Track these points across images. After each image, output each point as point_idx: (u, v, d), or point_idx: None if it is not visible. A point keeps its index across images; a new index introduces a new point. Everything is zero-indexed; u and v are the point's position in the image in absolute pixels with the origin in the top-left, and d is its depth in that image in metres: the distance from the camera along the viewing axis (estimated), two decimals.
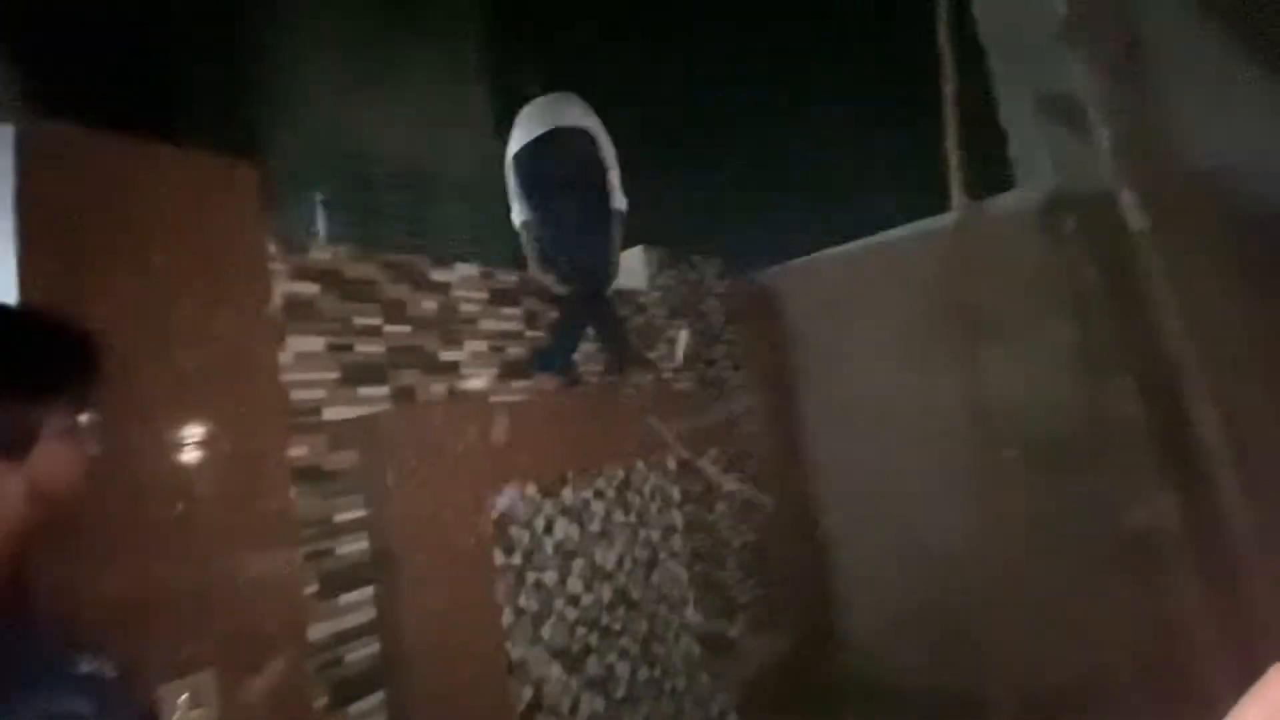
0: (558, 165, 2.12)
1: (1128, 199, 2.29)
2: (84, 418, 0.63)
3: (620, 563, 2.23)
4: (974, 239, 2.59)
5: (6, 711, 0.45)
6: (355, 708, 1.35)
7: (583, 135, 2.16)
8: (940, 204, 2.60)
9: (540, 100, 2.21)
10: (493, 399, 1.79)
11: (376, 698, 1.39)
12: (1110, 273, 2.34)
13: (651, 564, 2.35)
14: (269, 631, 1.17)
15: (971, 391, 2.64)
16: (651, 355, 2.42)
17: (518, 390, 1.87)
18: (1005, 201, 2.60)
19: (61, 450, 0.60)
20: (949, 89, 2.23)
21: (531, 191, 2.15)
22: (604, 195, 2.15)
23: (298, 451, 1.32)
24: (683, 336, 2.55)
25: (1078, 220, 2.41)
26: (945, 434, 2.69)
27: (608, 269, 2.16)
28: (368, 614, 1.40)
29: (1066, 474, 2.45)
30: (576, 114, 2.18)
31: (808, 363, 3.12)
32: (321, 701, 1.29)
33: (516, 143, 2.17)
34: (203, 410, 1.15)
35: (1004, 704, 2.41)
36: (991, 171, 2.55)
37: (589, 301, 2.10)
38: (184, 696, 1.05)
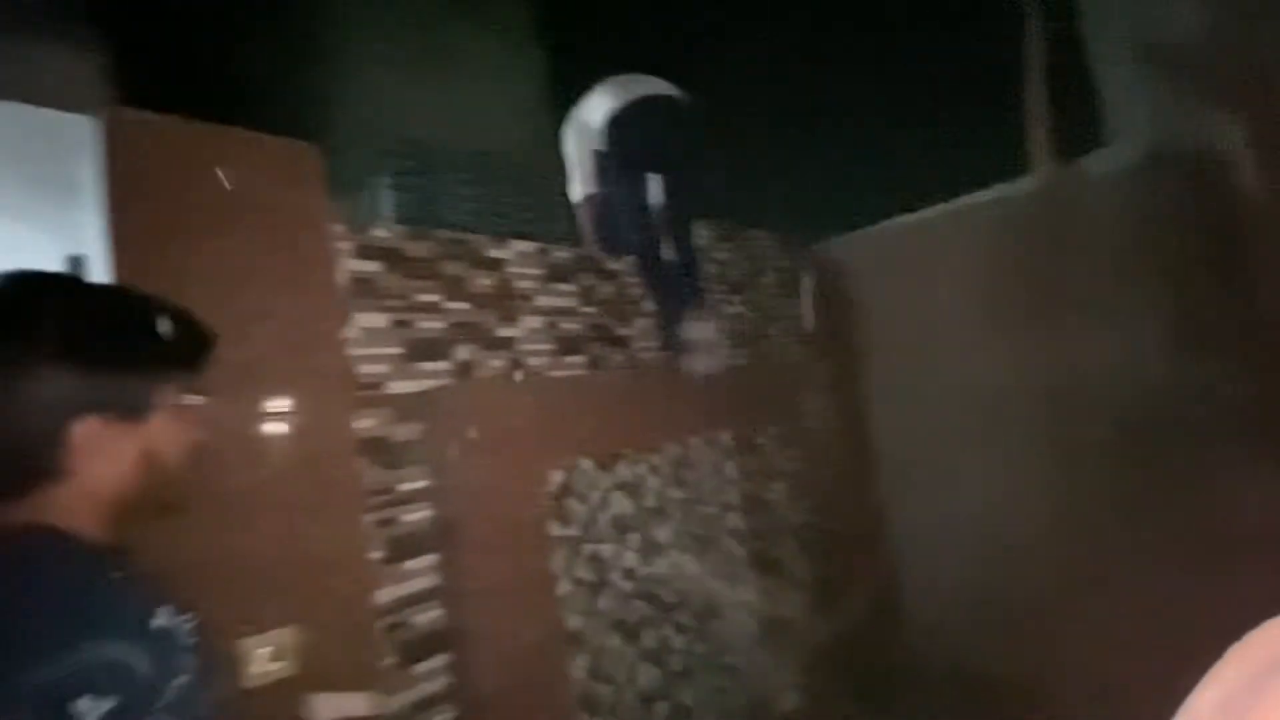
0: (661, 132, 2.09)
1: (1238, 156, 2.07)
2: (194, 401, 0.68)
3: (676, 538, 2.23)
4: (1060, 203, 2.41)
5: (73, 650, 0.48)
6: (421, 668, 1.41)
7: (680, 103, 2.14)
8: (1022, 166, 2.42)
9: (618, 77, 2.19)
10: (549, 374, 1.80)
11: (441, 659, 1.45)
12: (1214, 239, 2.13)
13: (708, 540, 2.34)
14: (340, 594, 1.24)
15: (1053, 369, 2.48)
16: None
17: (571, 365, 1.88)
18: (1095, 162, 2.40)
19: (172, 425, 0.65)
20: (1034, 37, 2.06)
21: (627, 159, 2.09)
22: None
23: (364, 424, 1.37)
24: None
25: (1178, 181, 2.19)
26: (1022, 414, 2.55)
27: (691, 243, 2.15)
28: (431, 580, 1.46)
29: (1154, 458, 2.28)
30: (664, 84, 2.16)
31: (874, 338, 3.00)
32: (390, 661, 1.36)
33: (606, 109, 2.11)
34: (275, 384, 1.21)
35: (1073, 694, 2.30)
36: (1080, 128, 2.34)
37: (659, 274, 2.09)
38: (266, 650, 1.12)
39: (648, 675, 2.02)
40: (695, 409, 2.26)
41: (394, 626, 1.38)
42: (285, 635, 1.15)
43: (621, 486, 2.08)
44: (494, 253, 1.75)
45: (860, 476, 2.96)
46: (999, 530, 2.63)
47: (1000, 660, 2.61)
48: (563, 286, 1.92)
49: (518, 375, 1.72)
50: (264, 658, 1.12)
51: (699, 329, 2.20)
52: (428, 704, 1.41)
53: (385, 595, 1.37)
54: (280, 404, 1.21)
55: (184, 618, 0.58)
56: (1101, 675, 2.36)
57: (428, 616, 1.44)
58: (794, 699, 2.40)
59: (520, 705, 1.50)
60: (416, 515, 1.45)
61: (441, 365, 1.55)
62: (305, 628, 1.17)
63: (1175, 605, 2.22)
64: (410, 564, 1.43)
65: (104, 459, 0.59)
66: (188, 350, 0.68)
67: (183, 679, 0.54)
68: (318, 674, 1.18)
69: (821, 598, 2.70)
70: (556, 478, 1.87)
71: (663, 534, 2.18)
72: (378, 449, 1.39)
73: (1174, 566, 2.24)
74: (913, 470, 2.91)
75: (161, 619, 0.55)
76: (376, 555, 1.37)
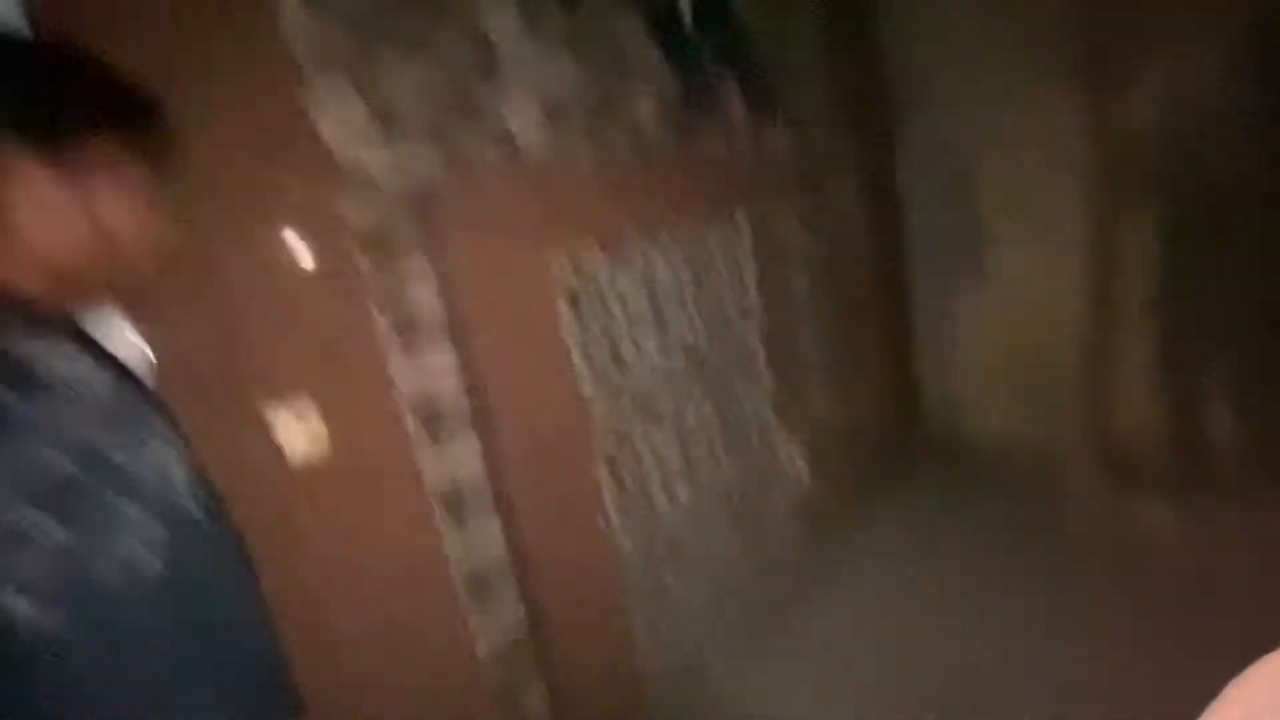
0: None
1: None
2: (151, 178, 0.65)
3: (691, 324, 2.24)
4: None
5: None
6: (452, 446, 1.51)
7: None
8: None
9: None
10: (545, 151, 1.68)
11: (472, 439, 1.54)
12: None
13: (724, 325, 2.35)
14: (359, 376, 1.29)
15: (1102, 133, 2.22)
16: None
17: (570, 142, 1.74)
18: None
19: (124, 197, 0.61)
20: None
21: None
22: None
23: (349, 210, 1.32)
24: None
25: None
26: (1063, 181, 2.34)
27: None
28: (450, 362, 1.50)
29: (1201, 234, 2.11)
30: None
31: (906, 95, 2.71)
32: (420, 435, 1.45)
33: None
34: (247, 165, 1.15)
35: (1090, 465, 2.39)
36: None
37: (678, 38, 1.87)
38: (288, 411, 1.20)
39: (667, 448, 2.17)
40: (709, 190, 2.14)
41: (419, 405, 1.45)
42: (304, 400, 1.22)
43: (632, 275, 2.04)
44: (474, 6, 1.53)
45: (885, 256, 2.85)
46: (1033, 310, 2.56)
47: (1023, 441, 2.70)
48: (557, 50, 1.71)
49: (510, 152, 1.61)
50: (296, 430, 1.20)
51: (723, 102, 2.01)
52: (464, 476, 1.53)
53: (407, 382, 1.41)
54: (255, 182, 1.16)
55: (94, 363, 0.57)
56: (1122, 447, 2.43)
57: (450, 396, 1.50)
58: (809, 473, 2.56)
59: (548, 474, 1.63)
60: (425, 301, 1.45)
61: (423, 142, 1.44)
62: (324, 394, 1.24)
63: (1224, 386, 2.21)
64: (425, 347, 1.46)
65: (41, 214, 0.56)
66: (120, 100, 0.63)
67: (86, 428, 0.53)
68: (351, 449, 1.27)
69: (839, 378, 2.77)
70: (565, 265, 1.85)
71: (678, 322, 2.19)
72: (370, 238, 1.35)
73: (1214, 340, 2.19)
74: (942, 246, 2.78)
75: (47, 359, 0.53)
76: (393, 343, 1.39)
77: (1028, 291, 2.56)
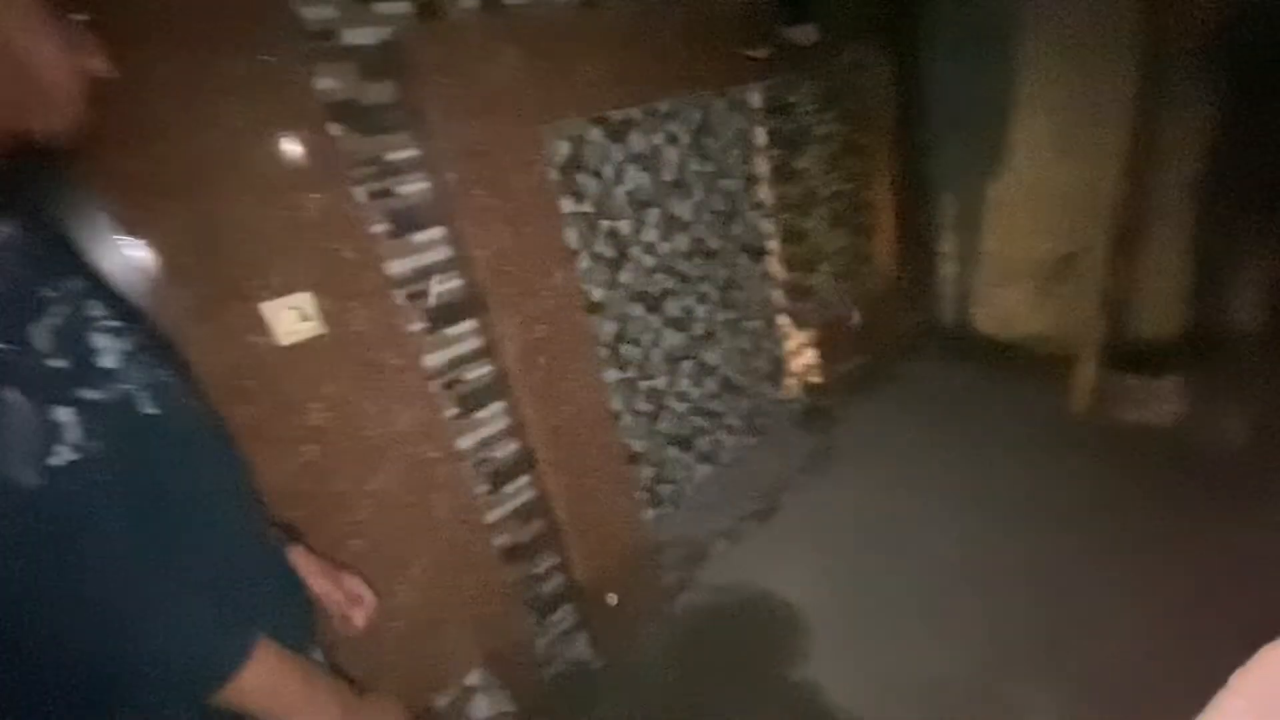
0: None
1: None
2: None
3: (698, 213, 2.16)
4: None
5: None
6: (450, 331, 1.50)
7: None
8: None
9: None
10: (533, 12, 1.53)
11: (470, 323, 1.53)
12: None
13: (732, 215, 2.27)
14: (350, 261, 1.25)
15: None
16: None
17: (565, 6, 1.58)
18: None
19: (41, 30, 0.56)
20: None
21: None
22: None
23: (326, 84, 1.22)
24: None
25: None
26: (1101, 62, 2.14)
27: None
28: (444, 252, 1.46)
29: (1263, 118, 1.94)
30: None
31: None
32: (419, 326, 1.44)
33: None
34: (202, 30, 1.04)
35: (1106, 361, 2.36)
36: None
37: None
38: (291, 311, 1.18)
39: (672, 339, 2.15)
40: (719, 60, 1.96)
41: (415, 295, 1.42)
42: (304, 299, 1.19)
43: (636, 159, 1.94)
44: None
45: (901, 138, 2.68)
46: (1053, 192, 2.44)
47: (1037, 326, 2.66)
48: None
49: (500, 16, 1.46)
50: (291, 318, 1.18)
51: None
52: (464, 360, 1.54)
53: (398, 266, 1.38)
54: (215, 53, 1.05)
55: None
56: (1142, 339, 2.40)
57: (448, 285, 1.47)
58: (816, 360, 2.56)
59: (550, 359, 1.62)
60: (414, 187, 1.39)
61: (401, 7, 1.31)
62: (324, 292, 1.21)
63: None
64: (418, 236, 1.41)
65: None
66: None
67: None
68: (348, 335, 1.26)
69: (849, 268, 2.70)
70: (563, 148, 1.74)
71: (683, 209, 2.11)
72: (349, 113, 1.26)
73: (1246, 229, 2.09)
74: (963, 129, 2.61)
75: None
76: (379, 227, 1.34)
77: (1053, 180, 2.43)
